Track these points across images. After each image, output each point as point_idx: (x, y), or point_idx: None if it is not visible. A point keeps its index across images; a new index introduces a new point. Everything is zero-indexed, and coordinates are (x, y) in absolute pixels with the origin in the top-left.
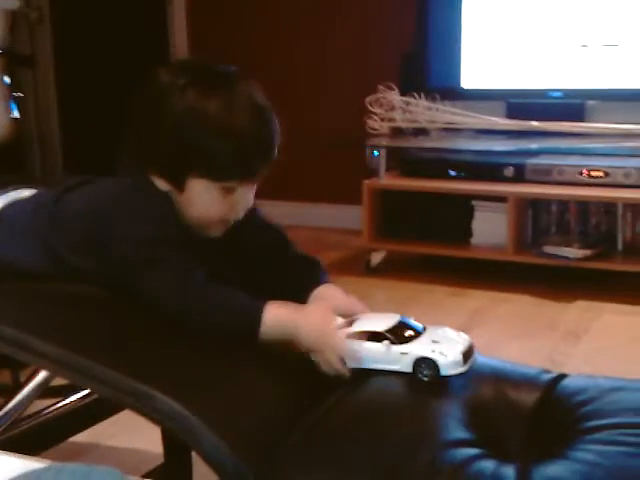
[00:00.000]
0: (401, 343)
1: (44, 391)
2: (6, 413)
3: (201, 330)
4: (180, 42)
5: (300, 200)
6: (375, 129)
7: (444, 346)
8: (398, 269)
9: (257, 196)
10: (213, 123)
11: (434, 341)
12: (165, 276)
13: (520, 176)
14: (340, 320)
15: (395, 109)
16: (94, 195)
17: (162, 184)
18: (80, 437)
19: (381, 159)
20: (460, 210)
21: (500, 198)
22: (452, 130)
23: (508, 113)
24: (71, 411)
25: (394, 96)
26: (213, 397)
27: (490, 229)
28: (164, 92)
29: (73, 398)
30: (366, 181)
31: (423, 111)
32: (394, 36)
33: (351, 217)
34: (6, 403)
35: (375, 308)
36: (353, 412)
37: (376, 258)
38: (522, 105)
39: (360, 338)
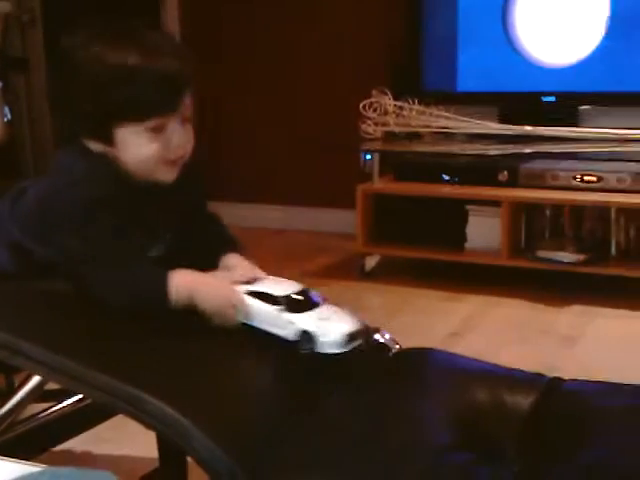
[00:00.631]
0: (292, 312)
1: (38, 395)
2: (0, 417)
3: (112, 299)
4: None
5: (294, 204)
6: (369, 133)
7: (330, 324)
8: (392, 273)
9: (250, 199)
10: (115, 68)
11: (322, 318)
12: (95, 239)
13: (514, 181)
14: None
15: (389, 113)
16: (41, 184)
17: (96, 146)
18: (74, 441)
19: (375, 163)
20: (454, 214)
21: (494, 202)
22: (446, 134)
23: (501, 117)
24: (65, 415)
25: (388, 100)
26: (205, 399)
27: (484, 233)
28: (68, 55)
29: (67, 402)
30: (360, 185)
31: (417, 115)
32: (387, 40)
33: (345, 221)
34: (0, 407)
35: (369, 312)
36: (347, 412)
37: (370, 262)
38: (515, 109)
39: (256, 297)
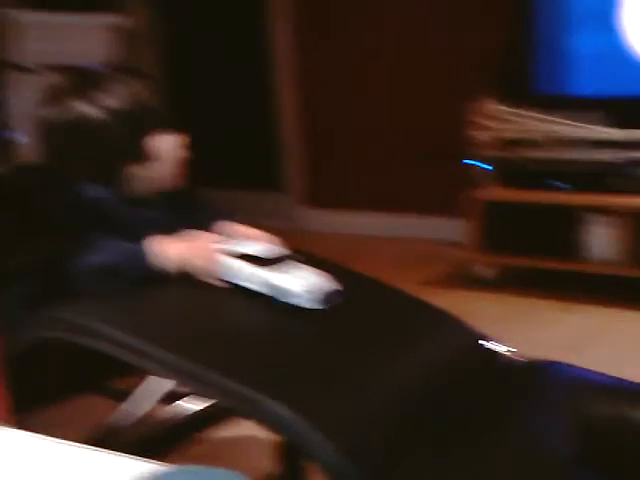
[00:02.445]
0: (264, 270)
1: (166, 396)
2: (129, 418)
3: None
4: (283, 55)
5: (405, 212)
6: (477, 140)
7: (292, 278)
8: (505, 282)
9: (361, 207)
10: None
11: (302, 277)
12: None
13: (630, 187)
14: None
15: (498, 119)
16: None
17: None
18: (200, 443)
19: (483, 170)
20: (566, 223)
21: (610, 210)
22: (557, 140)
23: (614, 122)
24: (191, 416)
25: (497, 106)
26: (324, 400)
27: (601, 242)
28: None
29: (193, 404)
30: (469, 193)
31: (527, 121)
32: (497, 44)
33: (454, 229)
34: (128, 408)
35: (481, 321)
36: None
37: (481, 271)
38: (629, 113)
39: (235, 257)
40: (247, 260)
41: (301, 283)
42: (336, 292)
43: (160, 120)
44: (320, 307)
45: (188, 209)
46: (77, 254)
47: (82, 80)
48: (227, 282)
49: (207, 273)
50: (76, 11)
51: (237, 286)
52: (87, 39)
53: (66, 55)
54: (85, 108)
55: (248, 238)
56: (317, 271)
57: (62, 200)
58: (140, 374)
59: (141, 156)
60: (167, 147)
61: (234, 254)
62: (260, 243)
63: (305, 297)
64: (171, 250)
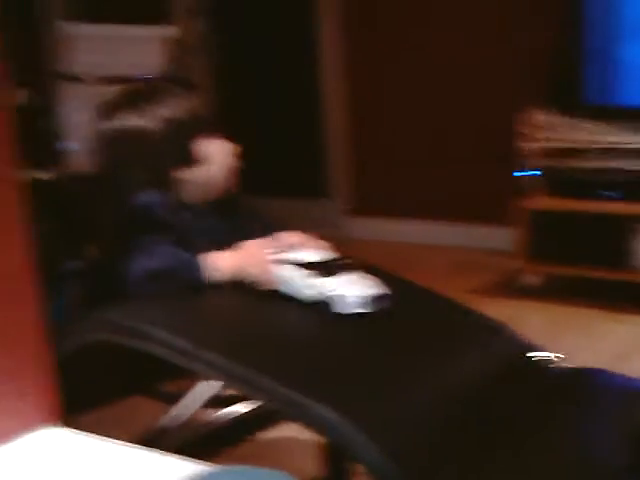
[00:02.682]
0: (318, 276)
1: (214, 400)
2: (178, 420)
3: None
4: (334, 69)
5: (452, 220)
6: (527, 149)
7: (349, 288)
8: (552, 292)
9: (410, 215)
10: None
11: (345, 282)
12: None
13: None
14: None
15: (548, 128)
16: None
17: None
18: (244, 447)
19: (533, 179)
20: (615, 232)
21: None
22: (606, 150)
23: None
24: (238, 419)
25: (546, 115)
26: (370, 405)
27: None
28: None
29: (241, 407)
30: (518, 202)
31: (576, 130)
32: (547, 52)
33: (498, 238)
34: (178, 410)
35: (529, 330)
36: (513, 428)
37: (529, 280)
38: None
39: (289, 264)
40: (299, 267)
41: (351, 288)
42: (385, 296)
43: (208, 125)
44: (370, 311)
45: (238, 217)
46: (130, 258)
47: (135, 92)
48: (281, 290)
49: (262, 282)
50: (128, 23)
51: (290, 293)
52: (139, 51)
53: (118, 66)
54: (138, 120)
55: (300, 245)
56: (366, 276)
57: (114, 206)
58: (189, 377)
59: (189, 159)
60: (216, 152)
61: (287, 262)
62: (311, 250)
63: (355, 302)
64: (226, 262)
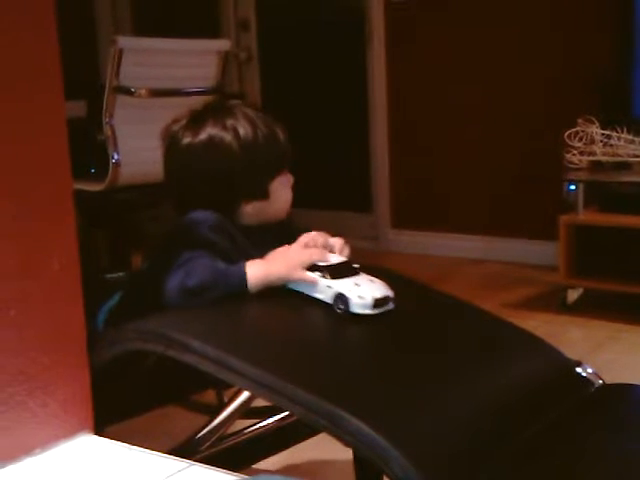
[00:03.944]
0: (332, 278)
1: (246, 411)
2: (211, 431)
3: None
4: (379, 81)
5: (493, 234)
6: (574, 163)
7: (362, 289)
8: (595, 307)
9: (451, 229)
10: (255, 136)
11: (357, 284)
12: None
13: None
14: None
15: (595, 142)
16: None
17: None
18: (277, 458)
19: (579, 194)
20: None
21: None
22: None
23: None
24: (270, 431)
25: (595, 129)
26: (404, 417)
27: None
28: (174, 145)
29: (273, 419)
30: (563, 216)
31: (625, 145)
32: (595, 66)
33: (546, 253)
34: (211, 421)
35: (571, 347)
36: (548, 445)
37: (572, 295)
38: None
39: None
40: (317, 271)
41: (359, 289)
42: (388, 298)
43: (287, 160)
44: (372, 313)
45: (288, 237)
46: (169, 274)
47: (220, 110)
48: (303, 293)
49: (290, 281)
50: (181, 37)
51: (311, 297)
52: (190, 64)
53: (170, 80)
54: (224, 135)
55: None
56: (377, 280)
57: (167, 220)
58: (224, 387)
59: (264, 195)
60: (283, 188)
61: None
62: (331, 255)
63: (358, 303)
64: (257, 269)
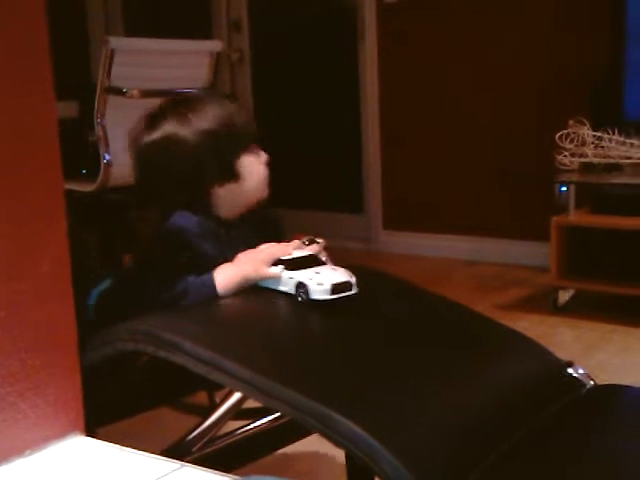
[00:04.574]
0: (293, 270)
1: (237, 413)
2: (202, 432)
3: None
4: (370, 82)
5: (485, 235)
6: (565, 165)
7: (321, 276)
8: (587, 308)
9: (442, 230)
10: (219, 119)
11: (317, 272)
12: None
13: None
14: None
15: (587, 144)
16: None
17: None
18: (268, 459)
19: (571, 195)
20: None
21: None
22: None
23: None
24: (262, 432)
25: (586, 131)
26: (395, 418)
27: None
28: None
29: (264, 420)
30: (554, 217)
31: (616, 146)
32: (585, 68)
33: (536, 254)
34: (202, 423)
35: (562, 348)
36: (542, 447)
37: (563, 296)
38: None
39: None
40: (280, 264)
41: (319, 276)
42: (349, 283)
43: (251, 139)
44: (329, 298)
45: (272, 234)
46: (150, 284)
47: (176, 104)
48: (270, 288)
49: (257, 279)
50: (173, 37)
51: (278, 291)
52: (183, 65)
53: (162, 80)
54: (179, 130)
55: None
56: (340, 269)
57: (150, 220)
58: (215, 388)
59: (234, 176)
60: (251, 164)
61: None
62: (295, 249)
63: (317, 289)
64: (227, 274)
